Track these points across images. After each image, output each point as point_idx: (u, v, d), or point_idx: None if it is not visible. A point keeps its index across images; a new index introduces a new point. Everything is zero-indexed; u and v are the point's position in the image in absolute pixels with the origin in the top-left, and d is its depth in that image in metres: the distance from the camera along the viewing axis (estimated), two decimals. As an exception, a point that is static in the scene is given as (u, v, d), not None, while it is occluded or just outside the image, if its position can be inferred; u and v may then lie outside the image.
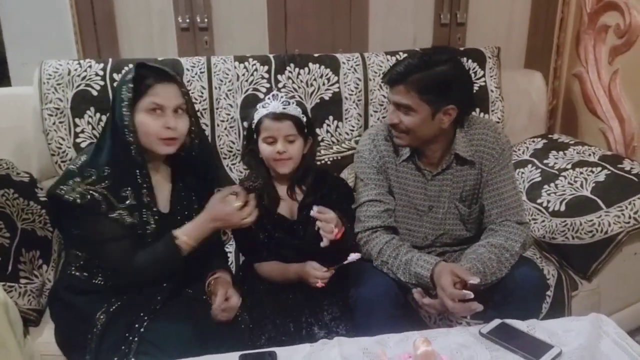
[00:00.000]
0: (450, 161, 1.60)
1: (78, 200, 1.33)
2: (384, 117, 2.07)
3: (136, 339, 1.32)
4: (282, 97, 1.61)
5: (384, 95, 2.08)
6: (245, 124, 1.86)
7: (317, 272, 1.51)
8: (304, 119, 1.61)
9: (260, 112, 1.59)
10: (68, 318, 1.47)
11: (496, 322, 1.29)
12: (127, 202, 1.38)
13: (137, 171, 1.38)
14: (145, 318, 1.36)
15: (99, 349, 1.34)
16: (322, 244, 1.48)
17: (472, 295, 1.35)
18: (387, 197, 1.63)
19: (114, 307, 1.39)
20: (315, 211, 1.49)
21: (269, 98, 1.61)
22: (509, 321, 1.30)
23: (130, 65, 1.71)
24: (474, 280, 1.37)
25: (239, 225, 1.44)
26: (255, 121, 1.60)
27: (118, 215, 1.37)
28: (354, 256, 1.47)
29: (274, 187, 1.65)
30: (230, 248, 1.83)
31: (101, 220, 1.36)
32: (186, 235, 1.40)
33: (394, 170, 1.64)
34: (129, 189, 1.38)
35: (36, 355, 1.47)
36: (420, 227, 1.66)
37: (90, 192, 1.34)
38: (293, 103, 1.60)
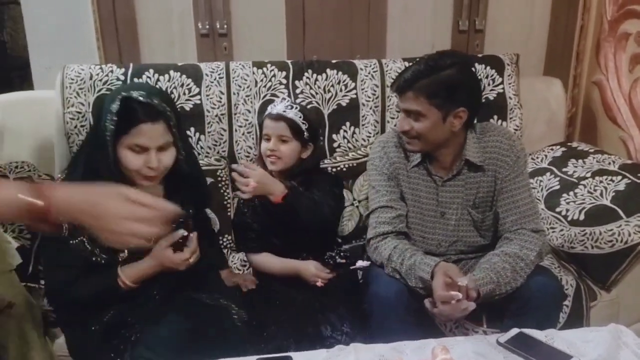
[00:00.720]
0: (460, 167, 1.60)
1: None
2: (395, 125, 2.07)
3: (129, 346, 1.32)
4: (287, 101, 1.77)
5: (401, 102, 2.08)
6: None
7: (319, 272, 1.61)
8: (304, 125, 1.67)
9: (265, 112, 1.72)
10: (69, 324, 1.46)
11: (514, 331, 1.28)
12: None
13: None
14: (137, 326, 1.35)
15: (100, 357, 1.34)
16: (243, 195, 1.58)
17: (459, 297, 1.34)
18: (399, 203, 1.64)
19: (108, 316, 1.38)
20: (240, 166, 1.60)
21: (279, 101, 1.76)
22: (527, 331, 1.29)
23: (120, 94, 1.44)
24: (462, 282, 1.36)
25: (183, 267, 1.40)
26: (261, 121, 1.75)
27: (79, 242, 1.33)
28: (361, 263, 1.58)
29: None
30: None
31: (55, 245, 1.33)
32: (128, 278, 1.37)
33: (405, 177, 1.64)
34: None
35: (54, 356, 1.49)
36: (433, 234, 1.65)
37: None
38: (296, 108, 1.69)
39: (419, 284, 1.47)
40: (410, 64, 1.58)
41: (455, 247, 1.66)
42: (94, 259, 1.36)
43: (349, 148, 2.07)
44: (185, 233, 1.38)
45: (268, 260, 1.70)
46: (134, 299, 1.40)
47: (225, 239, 1.95)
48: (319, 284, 1.59)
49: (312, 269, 1.62)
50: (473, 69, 1.71)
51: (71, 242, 1.33)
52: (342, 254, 1.75)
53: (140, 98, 1.33)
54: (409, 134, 1.55)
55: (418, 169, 1.63)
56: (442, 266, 1.45)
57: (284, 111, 1.67)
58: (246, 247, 1.76)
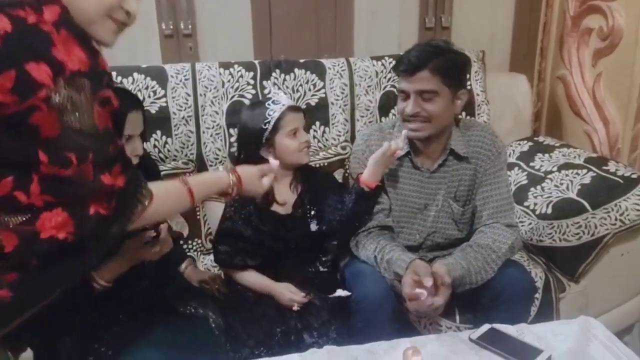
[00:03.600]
0: (446, 157, 1.61)
1: None
2: (370, 122, 2.07)
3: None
4: (281, 91, 1.72)
5: (370, 101, 2.08)
6: (233, 130, 1.86)
7: (294, 296, 1.54)
8: None
9: (275, 108, 1.58)
10: (36, 337, 1.39)
11: (485, 327, 1.29)
12: None
13: None
14: (111, 339, 1.32)
15: None
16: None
17: (424, 294, 1.35)
18: (382, 197, 1.64)
19: (78, 326, 1.34)
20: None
21: (274, 94, 1.63)
22: (498, 326, 1.30)
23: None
24: (427, 282, 1.37)
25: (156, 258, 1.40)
26: (272, 118, 1.58)
27: None
28: (341, 292, 1.53)
29: (271, 187, 1.62)
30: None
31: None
32: (102, 279, 1.33)
33: (388, 169, 1.63)
34: None
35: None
36: (412, 225, 1.66)
37: None
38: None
39: (397, 278, 1.48)
40: (378, 58, 1.59)
41: (431, 239, 1.67)
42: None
43: (320, 147, 2.06)
44: (154, 233, 1.36)
45: (245, 275, 1.63)
46: (105, 306, 1.36)
47: (195, 243, 1.92)
48: (295, 308, 1.53)
49: (287, 294, 1.54)
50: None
51: None
52: (325, 264, 1.70)
53: (120, 86, 1.41)
54: (419, 116, 1.53)
55: (402, 161, 1.63)
56: (412, 265, 1.45)
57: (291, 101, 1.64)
58: (230, 264, 1.63)
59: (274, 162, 1.40)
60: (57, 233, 0.88)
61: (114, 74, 1.87)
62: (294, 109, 1.62)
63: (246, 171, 1.28)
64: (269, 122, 1.58)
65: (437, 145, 1.62)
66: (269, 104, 1.60)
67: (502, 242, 1.53)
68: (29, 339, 1.42)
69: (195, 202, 1.14)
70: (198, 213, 1.92)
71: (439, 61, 1.49)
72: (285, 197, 1.67)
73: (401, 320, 1.56)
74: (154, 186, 1.04)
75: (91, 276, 1.33)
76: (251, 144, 1.62)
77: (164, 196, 1.08)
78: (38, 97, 0.80)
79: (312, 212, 1.67)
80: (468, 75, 2.11)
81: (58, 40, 0.83)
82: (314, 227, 1.66)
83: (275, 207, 1.66)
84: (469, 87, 2.15)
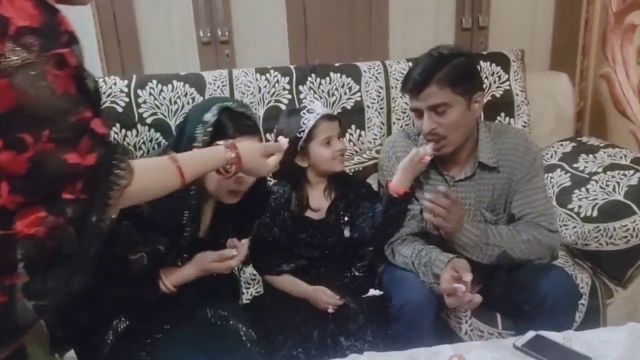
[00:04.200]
0: (474, 169, 1.58)
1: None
2: (407, 125, 2.05)
3: None
4: (317, 99, 1.75)
5: (406, 103, 2.05)
6: (270, 135, 1.88)
7: (329, 299, 1.55)
8: None
9: (310, 117, 1.63)
10: (77, 337, 1.43)
11: (531, 334, 1.26)
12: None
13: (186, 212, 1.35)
14: (149, 341, 1.34)
15: None
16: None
17: (462, 289, 1.33)
18: (414, 204, 1.63)
19: (122, 327, 1.37)
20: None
21: (309, 103, 1.67)
22: (543, 333, 1.26)
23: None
24: (466, 277, 1.35)
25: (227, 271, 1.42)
26: (307, 127, 1.62)
27: (139, 258, 1.32)
28: (374, 292, 1.54)
29: (305, 193, 1.70)
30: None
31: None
32: (170, 282, 1.37)
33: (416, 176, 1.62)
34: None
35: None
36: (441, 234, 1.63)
37: None
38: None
39: (436, 281, 1.46)
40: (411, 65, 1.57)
41: None
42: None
43: (355, 152, 2.05)
44: (235, 253, 1.38)
45: (282, 280, 1.65)
46: (149, 312, 1.39)
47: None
48: (330, 310, 1.54)
49: (322, 297, 1.56)
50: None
51: (131, 257, 1.31)
52: (360, 269, 1.71)
53: (238, 108, 1.39)
54: (436, 133, 1.51)
55: (428, 168, 1.61)
56: (451, 262, 1.44)
57: (326, 107, 1.66)
58: (268, 269, 1.68)
59: (283, 141, 1.31)
60: (33, 230, 0.82)
61: (154, 81, 1.91)
62: (328, 117, 1.65)
63: (247, 148, 1.20)
64: (303, 131, 1.62)
65: (463, 152, 1.59)
66: (303, 113, 1.64)
67: (539, 237, 1.51)
68: (72, 339, 1.46)
69: (186, 180, 1.06)
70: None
71: (444, 72, 1.47)
72: (319, 203, 1.69)
73: (442, 326, 1.54)
74: (137, 163, 0.96)
75: (159, 276, 1.36)
76: (288, 151, 1.63)
77: (149, 174, 1.00)
78: None
79: (346, 219, 1.68)
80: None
81: None
82: (347, 233, 1.67)
83: (309, 213, 1.68)
84: (507, 88, 2.11)
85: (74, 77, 0.83)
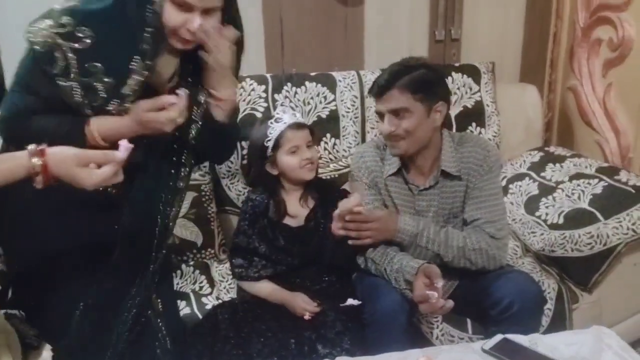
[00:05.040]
0: (437, 177, 1.62)
1: (37, 47, 1.16)
2: (375, 136, 2.09)
3: None
4: (289, 109, 1.78)
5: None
6: (245, 143, 1.89)
7: (306, 305, 1.57)
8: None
9: (276, 126, 1.68)
10: (43, 307, 1.36)
11: (498, 337, 1.29)
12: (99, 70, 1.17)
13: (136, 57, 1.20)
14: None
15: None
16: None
17: (435, 296, 1.36)
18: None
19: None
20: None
21: (278, 113, 1.73)
22: (511, 336, 1.30)
23: None
24: (438, 283, 1.38)
25: (169, 128, 1.23)
26: (273, 136, 1.67)
27: (68, 86, 1.18)
28: (352, 301, 1.56)
29: (282, 200, 1.71)
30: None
31: (42, 78, 1.18)
32: (97, 128, 1.21)
33: (382, 185, 1.66)
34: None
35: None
36: None
37: (55, 42, 1.15)
38: (298, 114, 1.73)
39: (407, 287, 1.48)
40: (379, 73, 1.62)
41: None
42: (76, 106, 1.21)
43: (330, 159, 2.08)
44: (174, 101, 1.22)
45: (260, 286, 1.66)
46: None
47: (208, 252, 1.93)
48: (307, 317, 1.56)
49: (300, 303, 1.58)
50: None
51: (61, 83, 1.18)
52: (338, 273, 1.71)
53: None
54: (395, 135, 1.56)
55: (395, 177, 1.65)
56: (423, 268, 1.46)
57: (298, 119, 1.69)
58: (245, 276, 1.67)
59: (123, 147, 1.09)
60: None
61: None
62: (296, 126, 1.68)
63: (58, 155, 1.05)
64: (269, 140, 1.67)
65: (425, 160, 1.63)
66: (271, 122, 1.70)
67: (475, 241, 1.54)
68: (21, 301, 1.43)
69: None
70: (212, 223, 1.93)
71: (407, 79, 1.53)
72: (297, 210, 1.72)
73: (414, 331, 1.57)
74: None
75: (88, 123, 1.22)
76: (257, 159, 1.71)
77: None
78: None
79: (324, 225, 1.69)
80: (468, 87, 2.14)
81: None
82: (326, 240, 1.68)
83: (287, 220, 1.70)
84: (478, 99, 2.16)
85: None
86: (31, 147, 1.04)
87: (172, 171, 1.40)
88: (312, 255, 1.68)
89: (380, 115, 1.60)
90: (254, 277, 1.66)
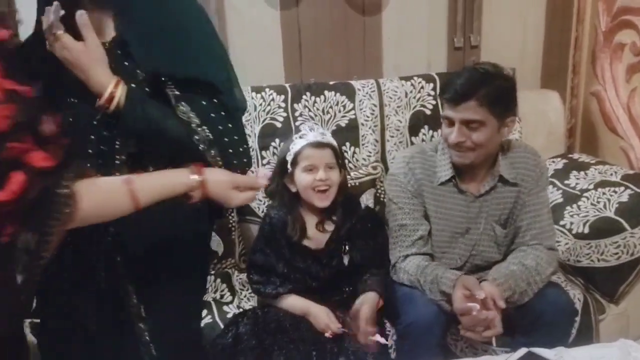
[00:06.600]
0: (494, 183, 1.59)
1: None
2: (400, 142, 2.07)
3: None
4: (318, 128, 1.70)
5: (399, 121, 2.09)
6: (265, 152, 1.89)
7: (330, 324, 1.52)
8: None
9: (298, 142, 1.63)
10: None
11: (522, 351, 1.27)
12: None
13: None
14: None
15: None
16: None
17: (477, 308, 1.33)
18: (422, 222, 1.62)
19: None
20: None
21: (304, 130, 1.67)
22: (535, 350, 1.27)
23: None
24: (479, 295, 1.35)
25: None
26: (292, 152, 1.63)
27: None
28: (379, 338, 1.44)
29: (302, 220, 1.66)
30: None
31: None
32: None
33: (430, 194, 1.62)
34: None
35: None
36: (453, 249, 1.65)
37: None
38: (329, 134, 1.67)
39: (443, 298, 1.46)
40: (455, 72, 1.61)
41: (471, 262, 1.66)
42: None
43: (350, 168, 2.07)
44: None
45: (281, 298, 1.63)
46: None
47: (229, 262, 1.94)
48: (328, 334, 1.50)
49: (324, 318, 1.53)
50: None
51: None
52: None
53: None
54: (464, 145, 1.52)
55: (445, 185, 1.61)
56: (461, 279, 1.44)
57: (323, 137, 1.63)
58: (263, 293, 1.64)
59: (262, 176, 1.21)
60: None
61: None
62: (316, 144, 1.61)
63: (216, 176, 1.11)
64: (290, 155, 1.64)
65: (482, 169, 1.60)
66: (296, 137, 1.66)
67: (545, 266, 1.52)
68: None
69: (140, 205, 0.96)
70: (233, 233, 1.95)
71: (486, 90, 1.46)
72: (315, 234, 1.66)
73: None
74: (83, 185, 0.87)
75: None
76: (278, 172, 1.69)
77: (96, 198, 0.90)
78: None
79: (346, 248, 1.65)
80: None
81: None
82: (346, 261, 1.64)
83: (306, 242, 1.65)
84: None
85: None
86: (192, 166, 1.10)
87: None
88: (332, 277, 1.64)
89: (449, 121, 1.53)
90: (271, 294, 1.62)
